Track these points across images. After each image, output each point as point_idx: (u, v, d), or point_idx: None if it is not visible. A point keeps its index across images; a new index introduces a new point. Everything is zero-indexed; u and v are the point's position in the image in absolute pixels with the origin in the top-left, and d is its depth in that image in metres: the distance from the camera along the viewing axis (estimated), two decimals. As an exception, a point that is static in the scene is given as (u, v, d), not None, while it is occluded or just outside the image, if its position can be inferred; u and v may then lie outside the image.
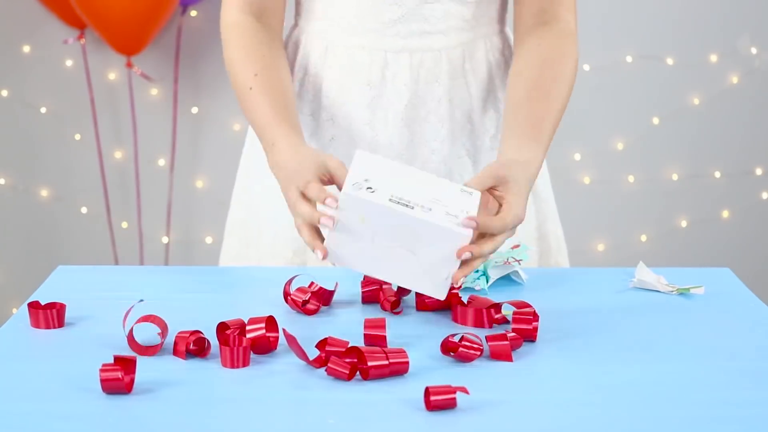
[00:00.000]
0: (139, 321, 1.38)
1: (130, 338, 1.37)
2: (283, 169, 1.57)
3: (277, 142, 1.61)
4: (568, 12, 1.76)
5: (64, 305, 1.47)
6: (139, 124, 3.47)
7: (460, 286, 1.50)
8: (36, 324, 1.46)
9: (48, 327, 1.46)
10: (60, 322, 1.46)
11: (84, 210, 3.58)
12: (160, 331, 1.39)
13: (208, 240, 3.60)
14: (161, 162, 3.55)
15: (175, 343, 1.37)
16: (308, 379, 1.30)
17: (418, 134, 1.78)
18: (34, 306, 1.46)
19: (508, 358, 1.36)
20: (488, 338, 1.38)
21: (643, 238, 3.65)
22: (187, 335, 1.37)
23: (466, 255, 1.42)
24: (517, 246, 1.65)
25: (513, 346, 1.38)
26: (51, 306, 1.47)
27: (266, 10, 1.76)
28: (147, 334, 1.41)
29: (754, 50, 3.55)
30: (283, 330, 1.38)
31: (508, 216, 1.48)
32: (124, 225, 3.58)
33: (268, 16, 1.76)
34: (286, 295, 1.52)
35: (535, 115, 1.65)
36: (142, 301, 1.45)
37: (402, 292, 1.56)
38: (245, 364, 1.34)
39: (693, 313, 1.53)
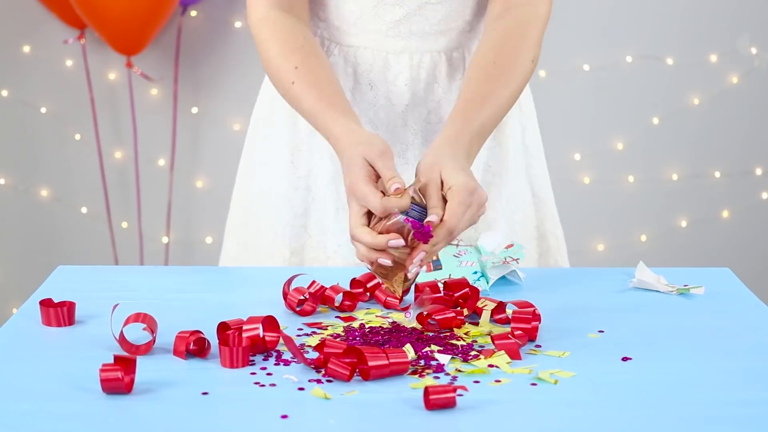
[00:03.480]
0: (128, 321, 1.38)
1: (122, 339, 1.37)
2: (343, 155, 1.52)
3: (332, 129, 1.57)
4: (540, 1, 1.72)
5: (74, 303, 1.47)
6: (139, 124, 3.47)
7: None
8: (47, 322, 1.46)
9: (59, 325, 1.46)
10: (70, 320, 1.46)
11: (84, 210, 3.58)
12: (145, 326, 1.39)
13: (208, 240, 3.60)
14: (161, 162, 3.55)
15: (175, 343, 1.37)
16: (308, 380, 1.30)
17: (420, 134, 1.79)
18: (45, 304, 1.47)
19: (517, 356, 1.36)
20: (494, 338, 1.38)
21: (643, 238, 3.65)
22: (187, 335, 1.37)
23: (421, 255, 1.42)
24: (511, 245, 1.65)
25: (520, 345, 1.38)
26: (62, 304, 1.47)
27: (293, 4, 1.73)
28: (141, 334, 1.41)
29: (754, 50, 3.55)
30: (281, 332, 1.38)
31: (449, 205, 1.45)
32: (124, 225, 3.58)
33: (295, 9, 1.72)
34: (285, 295, 1.53)
35: (471, 95, 1.61)
36: (117, 305, 1.45)
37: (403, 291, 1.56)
38: (245, 364, 1.34)
39: (693, 313, 1.53)
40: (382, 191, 1.44)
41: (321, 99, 1.61)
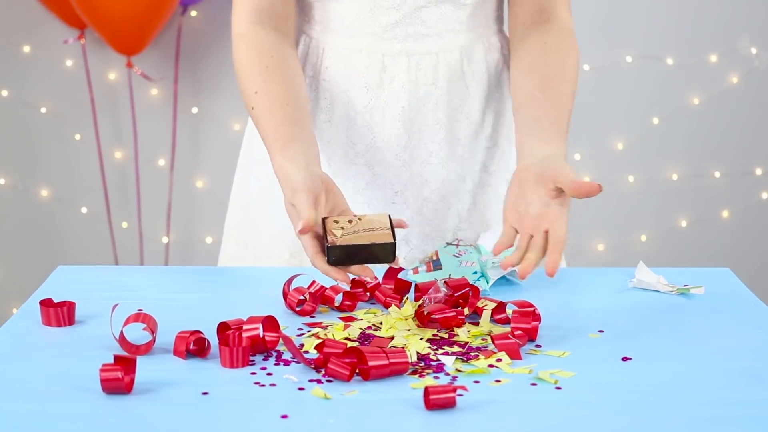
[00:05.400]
0: (128, 321, 1.38)
1: (122, 340, 1.37)
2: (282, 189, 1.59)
3: (272, 164, 1.61)
4: (565, 10, 1.77)
5: (74, 303, 1.47)
6: (139, 124, 3.47)
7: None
8: (47, 322, 1.46)
9: (59, 325, 1.46)
10: (70, 320, 1.46)
11: (84, 210, 3.58)
12: (145, 326, 1.39)
13: (208, 240, 3.60)
14: (161, 162, 3.55)
15: (175, 343, 1.37)
16: (308, 380, 1.30)
17: (416, 137, 1.78)
18: (45, 304, 1.47)
19: (517, 356, 1.36)
20: (494, 338, 1.38)
21: (643, 238, 3.65)
22: (187, 335, 1.37)
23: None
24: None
25: (520, 345, 1.38)
26: (62, 304, 1.47)
27: (276, 18, 1.74)
28: (141, 334, 1.41)
29: (754, 50, 3.55)
30: (280, 332, 1.38)
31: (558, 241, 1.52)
32: (124, 225, 3.58)
33: (278, 22, 1.74)
34: (285, 295, 1.53)
35: (552, 111, 1.67)
36: (117, 305, 1.45)
37: (402, 290, 1.56)
38: (245, 363, 1.34)
39: (693, 313, 1.53)
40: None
41: (269, 130, 1.63)
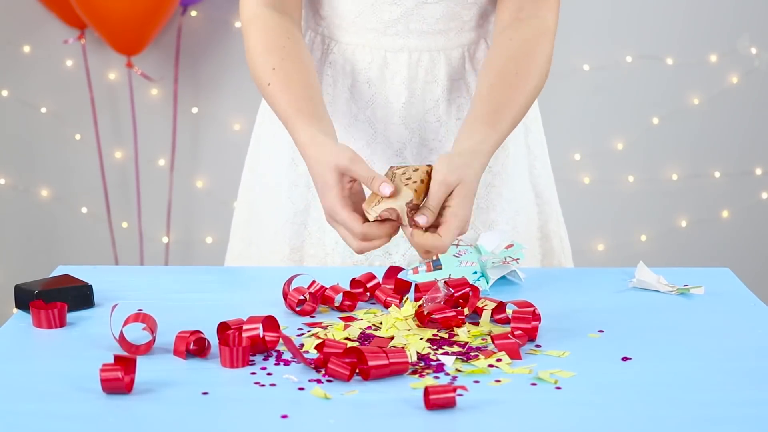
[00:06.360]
0: (128, 321, 1.38)
1: (122, 339, 1.37)
2: (311, 169, 1.57)
3: (298, 137, 1.60)
4: (549, 10, 1.74)
5: (65, 305, 1.47)
6: (139, 124, 3.47)
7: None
8: (38, 324, 1.46)
9: (50, 327, 1.46)
10: (62, 322, 1.46)
11: (84, 210, 3.58)
12: (145, 326, 1.39)
13: (208, 240, 3.60)
14: (161, 162, 3.55)
15: (175, 343, 1.37)
16: (308, 380, 1.30)
17: (417, 133, 1.79)
18: (36, 306, 1.47)
19: (517, 356, 1.36)
20: (494, 338, 1.38)
21: (643, 238, 3.65)
22: (187, 335, 1.37)
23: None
24: (511, 245, 1.65)
25: (520, 345, 1.38)
26: (53, 306, 1.47)
27: (285, 2, 1.75)
28: (141, 334, 1.41)
29: (754, 50, 3.56)
30: (280, 332, 1.38)
31: (449, 234, 1.49)
32: (124, 225, 3.58)
33: (286, 6, 1.74)
34: (285, 295, 1.53)
35: (494, 103, 1.64)
36: (117, 305, 1.45)
37: (402, 290, 1.56)
38: (245, 363, 1.34)
39: (693, 313, 1.53)
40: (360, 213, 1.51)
41: (291, 104, 1.63)
